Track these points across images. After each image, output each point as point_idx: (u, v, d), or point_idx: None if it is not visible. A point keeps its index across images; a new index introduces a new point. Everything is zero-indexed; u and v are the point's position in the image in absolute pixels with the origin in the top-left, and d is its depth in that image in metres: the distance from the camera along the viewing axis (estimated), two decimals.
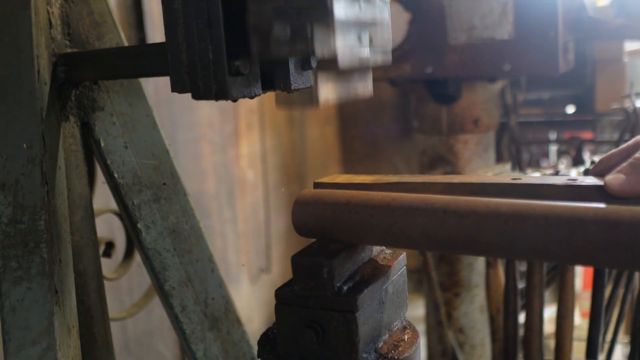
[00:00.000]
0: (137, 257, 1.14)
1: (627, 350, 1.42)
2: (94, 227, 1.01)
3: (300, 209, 0.71)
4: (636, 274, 1.43)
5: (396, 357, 0.67)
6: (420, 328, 2.21)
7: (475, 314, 2.02)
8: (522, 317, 1.38)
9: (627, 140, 0.74)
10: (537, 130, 2.82)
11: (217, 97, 0.71)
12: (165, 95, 2.24)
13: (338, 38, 0.60)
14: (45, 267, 0.83)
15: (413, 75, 1.83)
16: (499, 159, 2.25)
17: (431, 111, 1.97)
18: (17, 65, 0.84)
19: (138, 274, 1.92)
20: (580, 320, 2.99)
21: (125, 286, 2.06)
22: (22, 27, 0.84)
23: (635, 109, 2.01)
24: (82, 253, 0.97)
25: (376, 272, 0.70)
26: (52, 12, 0.90)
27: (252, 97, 0.73)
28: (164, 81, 0.75)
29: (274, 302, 0.68)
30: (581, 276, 3.44)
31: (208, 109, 2.75)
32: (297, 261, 0.66)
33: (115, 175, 0.99)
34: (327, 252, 0.66)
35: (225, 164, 2.94)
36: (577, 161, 2.15)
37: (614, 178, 0.62)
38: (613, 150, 0.69)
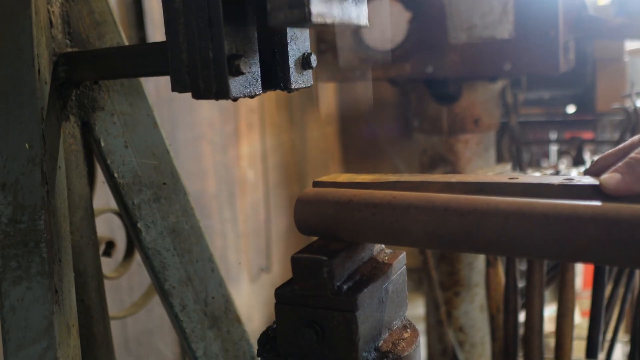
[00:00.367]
0: (137, 257, 1.14)
1: (627, 349, 1.42)
2: (94, 226, 1.01)
3: (303, 208, 0.71)
4: (636, 273, 1.43)
5: (396, 356, 0.67)
6: (421, 327, 2.21)
7: (475, 313, 2.02)
8: (522, 316, 1.38)
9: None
10: (538, 130, 2.82)
11: (218, 96, 0.71)
12: (165, 95, 2.24)
13: None
14: (45, 266, 0.83)
15: (413, 75, 1.83)
16: (500, 158, 2.25)
17: (432, 111, 1.97)
18: (18, 65, 0.84)
19: (138, 273, 1.92)
20: (580, 319, 2.99)
21: (125, 285, 2.07)
22: (22, 26, 0.84)
23: (635, 109, 2.00)
24: (82, 252, 0.97)
25: (376, 271, 0.70)
26: (53, 11, 0.90)
27: (252, 97, 0.73)
28: (165, 81, 0.75)
29: (274, 301, 0.68)
30: (581, 275, 3.44)
31: (208, 108, 2.75)
32: (297, 260, 0.66)
33: (116, 174, 0.99)
34: (327, 252, 0.66)
35: (226, 164, 2.94)
36: (578, 161, 2.14)
37: (610, 177, 0.62)
38: (609, 151, 0.69)
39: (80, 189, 0.97)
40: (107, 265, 1.13)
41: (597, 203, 0.58)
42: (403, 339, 0.70)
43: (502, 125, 2.24)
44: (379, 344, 0.68)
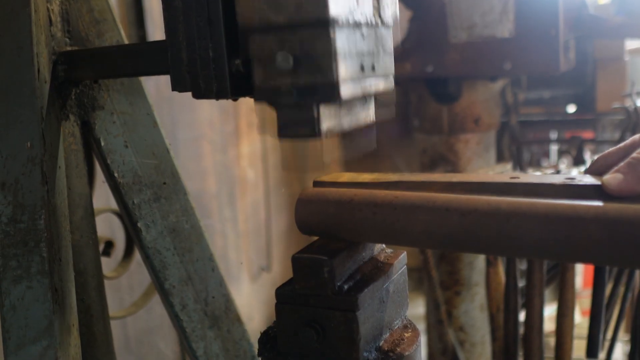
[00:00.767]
0: (137, 256, 1.14)
1: (628, 348, 1.42)
2: (94, 226, 1.01)
3: (303, 207, 0.71)
4: (637, 272, 1.43)
5: (397, 356, 0.67)
6: (421, 326, 2.21)
7: (475, 312, 2.02)
8: (522, 316, 1.38)
9: None
10: (538, 130, 2.81)
11: (218, 96, 0.71)
12: (165, 94, 2.24)
13: (340, 68, 0.60)
14: (45, 265, 0.83)
15: (413, 74, 1.83)
16: (500, 158, 2.25)
17: (432, 110, 1.97)
18: (17, 64, 0.84)
19: (138, 273, 1.92)
20: (580, 319, 2.99)
21: (125, 284, 2.06)
22: (21, 24, 0.84)
23: (636, 108, 2.00)
24: (82, 252, 0.97)
25: (377, 271, 0.70)
26: (52, 10, 0.90)
27: (252, 96, 0.73)
28: (165, 80, 0.75)
29: (274, 300, 0.68)
30: (581, 274, 3.44)
31: (209, 108, 2.75)
32: (298, 260, 0.66)
33: (116, 174, 0.99)
34: (327, 251, 0.66)
35: (226, 163, 2.94)
36: (578, 161, 2.14)
37: (612, 177, 0.62)
38: (610, 150, 0.69)
39: (80, 188, 0.97)
40: (107, 265, 1.13)
41: (598, 203, 0.58)
42: (404, 339, 0.70)
43: (503, 125, 2.23)
44: (380, 344, 0.68)
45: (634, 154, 0.64)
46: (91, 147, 1.00)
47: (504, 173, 1.45)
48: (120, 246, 1.22)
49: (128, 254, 1.23)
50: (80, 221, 0.97)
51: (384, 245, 0.77)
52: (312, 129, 0.62)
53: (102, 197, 1.13)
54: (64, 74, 0.90)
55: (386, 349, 0.68)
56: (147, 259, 1.03)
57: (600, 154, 0.70)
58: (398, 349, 0.68)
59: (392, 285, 0.71)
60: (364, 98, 0.68)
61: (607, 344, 1.44)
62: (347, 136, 0.68)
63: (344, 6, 0.61)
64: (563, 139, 2.80)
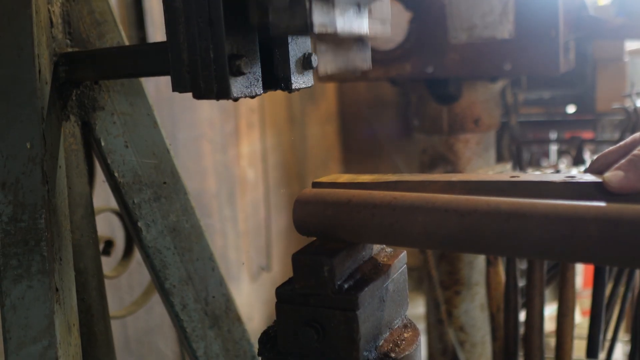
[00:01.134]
0: (136, 256, 1.14)
1: (628, 348, 1.42)
2: (94, 225, 1.01)
3: (301, 208, 0.71)
4: (637, 272, 1.43)
5: (397, 356, 0.67)
6: (421, 326, 2.21)
7: (475, 312, 2.02)
8: (522, 316, 1.38)
9: None
10: (538, 130, 2.82)
11: (218, 96, 0.71)
12: (165, 95, 2.25)
13: (337, 8, 0.59)
14: (45, 265, 0.83)
15: (414, 75, 1.83)
16: (500, 158, 2.25)
17: (432, 110, 1.97)
18: (18, 65, 0.84)
19: (138, 272, 1.93)
20: (580, 319, 2.99)
21: (125, 284, 2.07)
22: (23, 26, 0.84)
23: (635, 109, 2.01)
24: (82, 251, 0.97)
25: (377, 270, 0.70)
26: (53, 11, 0.90)
27: (253, 97, 0.73)
28: (165, 80, 0.75)
29: (274, 300, 0.68)
30: (582, 274, 3.44)
31: (209, 108, 2.75)
32: (298, 259, 0.66)
33: (116, 174, 0.99)
34: (327, 251, 0.66)
35: (226, 163, 2.95)
36: (578, 161, 2.14)
37: (613, 175, 0.62)
38: (611, 148, 0.69)
39: (81, 188, 0.97)
40: (107, 264, 1.13)
41: (599, 203, 0.58)
42: (404, 338, 0.70)
43: (502, 125, 2.24)
44: (380, 343, 0.68)
45: (635, 151, 0.64)
46: (91, 147, 1.00)
47: (504, 173, 1.45)
48: (120, 245, 1.22)
49: (128, 253, 1.23)
50: (81, 220, 0.97)
51: (384, 245, 0.77)
52: (304, 21, 0.60)
53: (103, 196, 1.13)
54: (65, 75, 0.90)
55: (386, 348, 0.68)
56: (147, 258, 1.03)
57: (601, 153, 0.70)
58: (398, 349, 0.68)
59: (392, 285, 0.72)
60: (357, 5, 0.66)
61: (607, 344, 1.45)
62: (341, 48, 0.66)
63: None
64: (563, 139, 2.80)
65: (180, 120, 2.52)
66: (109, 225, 1.53)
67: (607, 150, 0.69)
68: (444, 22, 1.74)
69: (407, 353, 0.68)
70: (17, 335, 0.83)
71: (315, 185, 0.76)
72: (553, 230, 0.58)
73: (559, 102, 2.63)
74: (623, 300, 1.43)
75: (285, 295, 0.67)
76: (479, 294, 2.01)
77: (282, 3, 0.61)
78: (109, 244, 1.17)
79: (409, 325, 0.74)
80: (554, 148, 3.03)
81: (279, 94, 0.79)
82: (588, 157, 2.21)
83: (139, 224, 1.01)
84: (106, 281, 1.04)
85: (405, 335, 0.71)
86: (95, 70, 0.90)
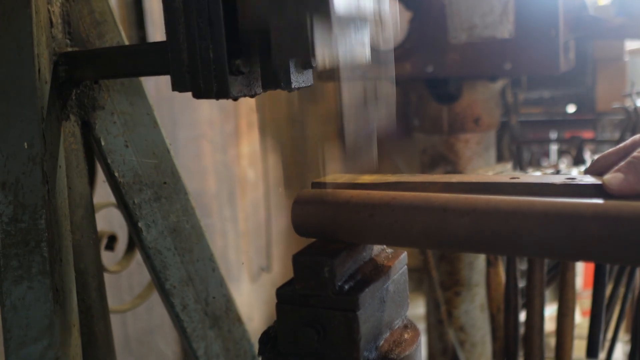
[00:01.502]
0: (137, 255, 1.14)
1: (628, 348, 1.42)
2: (95, 225, 1.01)
3: (300, 209, 0.71)
4: (637, 272, 1.43)
5: (397, 356, 0.67)
6: (421, 326, 2.21)
7: (475, 312, 2.02)
8: (522, 316, 1.38)
9: None
10: (538, 130, 2.81)
11: (218, 96, 0.71)
12: (165, 94, 2.24)
13: (340, 38, 0.59)
14: (46, 265, 0.83)
15: (414, 74, 1.83)
16: (500, 158, 2.25)
17: (432, 110, 1.97)
18: (18, 64, 0.84)
19: (138, 273, 1.93)
20: (580, 319, 2.99)
21: (125, 284, 2.07)
22: (22, 25, 0.84)
23: (636, 108, 2.01)
24: (82, 252, 0.97)
25: (377, 271, 0.70)
26: (53, 11, 0.90)
27: (252, 96, 0.73)
28: (165, 80, 0.75)
29: (274, 300, 0.68)
30: (582, 275, 3.44)
31: (209, 107, 2.75)
32: (298, 260, 0.66)
33: (116, 174, 0.99)
34: (328, 251, 0.66)
35: (226, 163, 2.94)
36: (578, 160, 2.14)
37: (613, 177, 0.62)
38: (610, 150, 0.69)
39: (81, 188, 0.97)
40: (110, 259, 1.13)
41: (598, 201, 0.58)
42: (404, 339, 0.70)
43: (503, 125, 2.24)
44: (380, 344, 0.68)
45: (635, 153, 0.64)
46: (91, 147, 1.00)
47: (504, 173, 1.45)
48: (123, 240, 1.22)
49: (131, 247, 1.23)
50: (81, 221, 0.97)
51: (384, 245, 0.77)
52: (307, 51, 0.61)
53: (103, 196, 1.13)
54: (65, 75, 0.90)
55: (386, 349, 0.68)
56: (147, 259, 1.03)
57: (601, 154, 0.70)
58: (398, 349, 0.68)
59: (392, 285, 0.71)
60: (358, 23, 0.66)
61: (607, 344, 1.45)
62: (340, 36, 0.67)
63: None
64: (563, 139, 2.80)
65: (180, 120, 2.52)
66: (109, 223, 1.53)
67: (606, 152, 0.69)
68: (444, 21, 1.74)
69: (407, 353, 0.68)
70: (17, 336, 0.83)
71: (315, 185, 0.76)
72: (552, 229, 0.57)
73: (559, 102, 2.63)
74: (623, 301, 1.43)
75: (285, 296, 0.67)
76: (479, 295, 2.01)
77: (284, 34, 0.61)
78: (113, 239, 1.17)
79: (409, 325, 0.74)
80: (554, 148, 3.03)
81: (279, 93, 0.79)
82: (588, 157, 2.21)
83: (140, 224, 1.01)
84: (106, 281, 1.04)
85: (406, 335, 0.71)
86: (95, 70, 0.90)
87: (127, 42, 1.01)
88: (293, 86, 0.75)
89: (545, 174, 1.39)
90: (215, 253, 1.10)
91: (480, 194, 0.65)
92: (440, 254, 1.99)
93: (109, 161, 0.99)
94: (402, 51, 1.81)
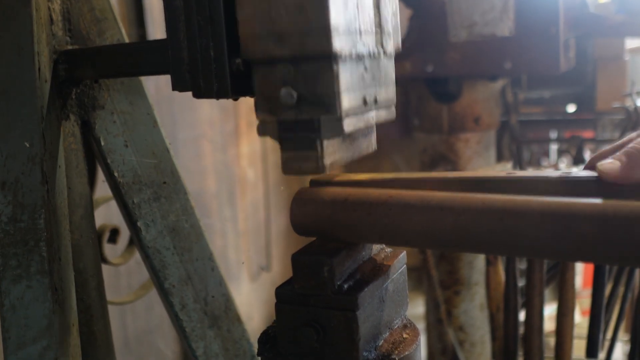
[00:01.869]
0: (136, 255, 1.14)
1: (628, 348, 1.42)
2: (94, 225, 1.01)
3: (298, 208, 0.71)
4: (637, 272, 1.43)
5: (397, 356, 0.67)
6: (420, 326, 2.21)
7: (475, 311, 2.02)
8: (522, 315, 1.38)
9: None
10: (538, 129, 2.81)
11: (218, 95, 0.70)
12: (165, 94, 2.24)
13: (344, 103, 0.60)
14: (45, 265, 0.83)
15: (414, 74, 1.83)
16: (500, 157, 2.25)
17: (432, 110, 1.96)
18: (18, 63, 0.84)
19: (138, 272, 1.92)
20: (580, 319, 2.99)
21: (125, 284, 2.07)
22: (22, 23, 0.83)
23: (636, 108, 2.00)
24: (81, 251, 0.97)
25: (376, 270, 0.70)
26: (53, 9, 0.90)
27: (252, 96, 0.73)
28: (165, 79, 0.75)
29: (274, 300, 0.68)
30: (581, 274, 3.44)
31: (209, 107, 2.75)
32: (298, 259, 0.66)
33: (116, 174, 0.99)
34: (327, 251, 0.66)
35: (226, 163, 2.94)
36: (578, 160, 2.14)
37: (607, 163, 0.62)
38: (606, 148, 0.69)
39: (80, 188, 0.97)
40: (113, 252, 1.14)
41: (594, 201, 0.58)
42: (403, 339, 0.70)
43: (503, 124, 2.23)
44: (380, 344, 0.68)
45: (631, 144, 0.65)
46: (91, 146, 1.00)
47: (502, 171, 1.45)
48: (125, 233, 1.22)
49: (133, 240, 1.23)
50: (80, 221, 0.97)
51: (383, 245, 0.77)
52: (315, 165, 0.63)
53: (105, 189, 1.13)
54: (65, 73, 0.90)
55: (386, 348, 0.68)
56: (146, 258, 1.03)
57: (596, 153, 0.70)
58: (398, 349, 0.68)
59: (391, 285, 0.71)
60: (365, 107, 0.68)
61: (607, 344, 1.45)
62: (347, 140, 0.69)
63: (347, 39, 0.61)
64: (563, 139, 2.80)
65: (180, 120, 2.52)
66: (110, 221, 1.53)
67: (602, 149, 0.69)
68: (444, 20, 1.74)
69: (406, 353, 0.68)
70: (16, 336, 0.83)
71: (313, 183, 0.76)
72: (547, 228, 0.58)
73: (559, 101, 2.63)
74: (623, 300, 1.43)
75: (285, 296, 0.67)
76: (479, 294, 2.01)
77: (293, 149, 0.63)
78: (115, 232, 1.17)
79: (408, 325, 0.74)
80: (554, 147, 3.03)
81: None
82: (588, 156, 2.20)
83: (139, 223, 1.01)
84: (105, 280, 1.04)
85: (405, 335, 0.71)
86: (95, 69, 0.90)
87: (127, 40, 1.01)
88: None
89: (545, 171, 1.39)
90: (214, 252, 1.10)
91: (477, 190, 0.65)
92: (439, 253, 1.99)
93: (109, 161, 0.98)
94: (402, 50, 1.80)
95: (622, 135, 2.06)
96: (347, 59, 0.61)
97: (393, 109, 0.75)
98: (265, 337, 0.71)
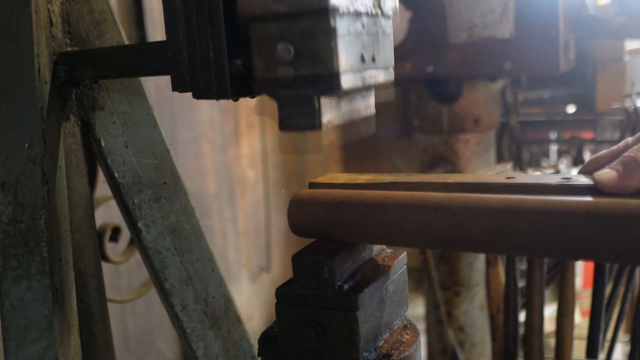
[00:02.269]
0: (137, 255, 1.14)
1: (628, 348, 1.42)
2: (94, 225, 1.01)
3: (296, 209, 0.71)
4: (637, 272, 1.43)
5: (397, 356, 0.67)
6: (421, 327, 2.20)
7: (475, 312, 2.02)
8: (522, 316, 1.38)
9: None
10: (538, 130, 2.81)
11: (218, 96, 0.71)
12: (165, 94, 2.24)
13: (341, 59, 0.60)
14: (45, 265, 0.83)
15: (414, 74, 1.83)
16: (500, 158, 2.25)
17: (432, 110, 1.97)
18: (18, 64, 0.84)
19: (138, 273, 1.93)
20: (580, 319, 2.99)
21: (125, 284, 2.07)
22: (22, 25, 0.84)
23: (635, 109, 2.00)
24: (82, 252, 0.97)
25: (377, 271, 0.70)
26: (53, 10, 0.90)
27: (252, 97, 0.73)
28: (165, 80, 0.75)
29: (274, 300, 0.68)
30: (581, 275, 3.44)
31: (209, 108, 2.75)
32: (298, 260, 0.66)
33: (116, 174, 0.99)
34: (327, 251, 0.66)
35: (226, 163, 2.94)
36: (578, 161, 2.14)
37: (604, 174, 0.62)
38: (602, 152, 0.69)
39: (81, 188, 0.97)
40: (114, 251, 1.14)
41: (588, 199, 0.58)
42: (403, 339, 0.70)
43: (502, 125, 2.23)
44: (380, 344, 0.68)
45: (627, 153, 0.65)
46: (91, 147, 1.00)
47: (503, 173, 1.45)
48: (127, 232, 1.22)
49: (134, 241, 1.23)
50: (81, 221, 0.97)
51: (383, 245, 0.77)
52: (313, 121, 0.62)
53: (106, 189, 1.13)
54: (65, 75, 0.90)
55: (386, 349, 0.68)
56: (147, 259, 1.03)
57: (593, 157, 0.70)
58: (398, 350, 0.68)
59: (392, 285, 0.71)
60: (364, 89, 0.68)
61: (607, 345, 1.45)
62: (344, 99, 0.68)
63: None
64: (563, 139, 2.80)
65: (180, 120, 2.52)
66: (110, 217, 1.53)
67: (599, 154, 0.69)
68: (444, 21, 1.74)
69: (407, 354, 0.68)
70: (16, 336, 0.83)
71: (312, 185, 0.76)
72: (543, 227, 0.58)
73: (559, 102, 2.63)
74: (623, 301, 1.43)
75: (285, 296, 0.67)
76: (479, 295, 2.01)
77: (291, 106, 0.62)
78: (116, 230, 1.17)
79: (408, 325, 0.74)
80: (554, 148, 3.03)
81: None
82: (588, 157, 2.20)
83: (139, 224, 1.01)
84: (105, 281, 1.04)
85: (405, 336, 0.71)
86: (94, 70, 0.90)
87: (126, 42, 1.01)
88: None
89: (544, 174, 1.39)
90: (214, 253, 1.10)
91: (475, 194, 0.65)
92: (439, 254, 1.99)
93: (109, 161, 0.98)
94: (402, 51, 1.81)
95: (621, 135, 2.06)
96: (344, 15, 0.61)
97: (391, 71, 0.74)
98: (266, 338, 0.71)
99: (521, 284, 1.40)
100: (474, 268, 2.00)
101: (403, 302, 0.75)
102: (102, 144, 0.98)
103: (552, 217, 0.57)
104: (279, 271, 3.45)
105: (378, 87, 0.71)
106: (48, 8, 0.89)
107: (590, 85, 2.42)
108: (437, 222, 0.62)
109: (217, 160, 2.85)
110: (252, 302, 3.20)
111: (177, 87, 0.74)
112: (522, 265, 1.56)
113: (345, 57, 0.61)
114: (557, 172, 1.65)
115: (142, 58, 0.84)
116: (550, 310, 2.32)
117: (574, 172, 1.66)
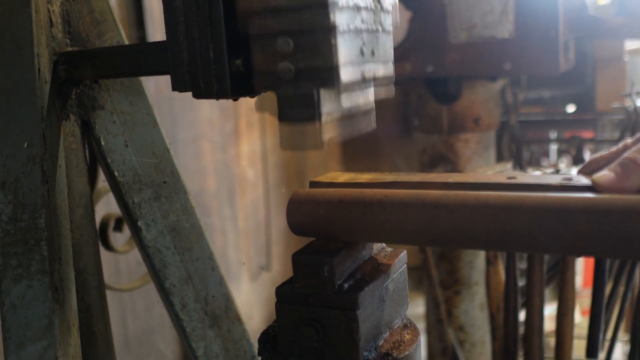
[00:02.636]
0: (137, 254, 1.14)
1: (627, 348, 1.42)
2: (94, 224, 1.01)
3: (295, 209, 0.71)
4: (637, 271, 1.43)
5: (397, 355, 0.67)
6: (421, 326, 2.21)
7: (475, 311, 2.02)
8: (522, 315, 1.38)
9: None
10: (538, 129, 2.81)
11: (218, 96, 0.71)
12: (165, 94, 2.24)
13: (340, 52, 0.60)
14: (45, 264, 0.83)
15: (414, 74, 1.83)
16: (500, 157, 2.25)
17: (432, 110, 1.97)
18: (18, 64, 0.84)
19: (138, 272, 1.92)
20: (580, 318, 3.00)
21: (125, 281, 2.06)
22: (22, 25, 0.84)
23: (635, 108, 2.01)
24: (82, 251, 0.97)
25: (377, 270, 0.70)
26: (53, 10, 0.90)
27: (252, 96, 0.73)
28: (165, 79, 0.75)
29: (274, 299, 0.68)
30: (581, 274, 3.44)
31: (209, 107, 2.75)
32: (298, 259, 0.66)
33: (116, 173, 0.99)
34: (327, 250, 0.66)
35: (226, 163, 2.94)
36: (578, 160, 2.14)
37: (603, 175, 0.63)
38: (600, 153, 0.69)
39: (81, 187, 0.97)
40: (119, 240, 1.14)
41: (587, 195, 0.58)
42: (404, 338, 0.70)
43: (502, 124, 2.24)
44: (380, 343, 0.68)
45: (626, 154, 0.65)
46: (91, 146, 1.00)
47: (503, 173, 1.45)
48: None
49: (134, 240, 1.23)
50: (81, 220, 0.97)
51: (383, 244, 0.77)
52: (312, 113, 0.62)
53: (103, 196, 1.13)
54: (65, 74, 0.90)
55: (386, 348, 0.68)
56: (147, 258, 1.03)
57: (592, 157, 0.70)
58: (398, 349, 0.68)
59: (392, 284, 0.71)
60: (363, 83, 0.68)
61: (607, 344, 1.45)
62: (346, 114, 0.68)
63: (345, 13, 0.61)
64: (563, 139, 2.80)
65: (180, 120, 2.52)
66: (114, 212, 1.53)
67: (598, 155, 0.70)
68: (444, 21, 1.74)
69: (407, 353, 0.68)
70: (16, 335, 0.83)
71: (312, 184, 0.76)
72: (542, 223, 0.58)
73: (558, 102, 2.63)
74: (623, 300, 1.43)
75: (285, 295, 0.67)
76: (479, 294, 2.01)
77: (290, 98, 0.62)
78: (120, 220, 1.17)
79: (409, 325, 0.74)
80: (554, 147, 3.03)
81: None
82: (588, 157, 2.21)
83: (139, 223, 1.01)
84: (106, 279, 1.04)
85: (405, 335, 0.71)
86: (95, 69, 0.90)
87: (126, 42, 1.01)
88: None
89: (545, 173, 1.39)
90: (214, 252, 1.10)
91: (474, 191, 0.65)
92: (439, 253, 1.99)
93: (109, 161, 0.99)
94: (402, 51, 1.81)
95: (621, 135, 2.06)
96: (343, 9, 0.61)
97: (391, 65, 0.74)
98: (266, 337, 0.72)
99: (521, 282, 1.40)
100: (474, 267, 2.00)
101: (403, 301, 0.75)
102: (102, 143, 0.98)
103: (550, 214, 0.57)
104: (279, 270, 3.45)
105: (377, 81, 0.71)
106: (48, 8, 0.89)
107: (590, 85, 2.43)
108: (436, 220, 0.62)
109: (217, 160, 2.85)
110: (252, 301, 3.20)
111: (177, 86, 0.74)
112: (522, 264, 1.56)
113: (345, 50, 0.61)
114: (557, 171, 1.65)
115: (142, 58, 0.84)
116: (550, 309, 2.32)
117: (574, 171, 1.66)
